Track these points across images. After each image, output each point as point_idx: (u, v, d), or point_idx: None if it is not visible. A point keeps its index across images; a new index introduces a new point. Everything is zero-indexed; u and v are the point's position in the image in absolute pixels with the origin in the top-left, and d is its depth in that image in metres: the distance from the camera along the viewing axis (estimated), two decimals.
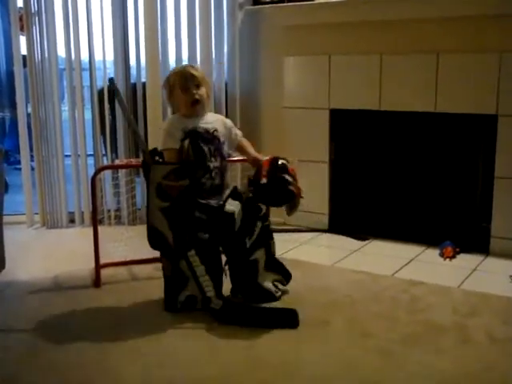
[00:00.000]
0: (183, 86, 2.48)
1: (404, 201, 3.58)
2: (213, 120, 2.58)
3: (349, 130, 3.70)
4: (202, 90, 2.50)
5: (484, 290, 2.69)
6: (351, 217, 3.72)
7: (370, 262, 3.16)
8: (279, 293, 2.61)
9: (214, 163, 2.49)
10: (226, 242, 2.52)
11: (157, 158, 2.46)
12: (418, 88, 3.32)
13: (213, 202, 2.46)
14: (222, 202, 2.48)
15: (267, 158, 2.51)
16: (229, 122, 2.66)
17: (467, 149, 3.35)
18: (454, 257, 3.17)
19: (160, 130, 2.56)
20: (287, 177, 2.42)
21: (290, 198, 2.43)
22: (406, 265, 3.10)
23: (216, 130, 2.53)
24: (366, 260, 3.20)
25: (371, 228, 3.63)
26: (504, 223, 3.15)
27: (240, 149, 2.68)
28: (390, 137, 3.60)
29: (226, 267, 2.56)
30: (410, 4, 3.25)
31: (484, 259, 3.17)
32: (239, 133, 2.68)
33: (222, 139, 2.55)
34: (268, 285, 2.59)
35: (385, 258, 3.22)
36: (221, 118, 2.68)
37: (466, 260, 3.15)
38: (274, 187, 2.41)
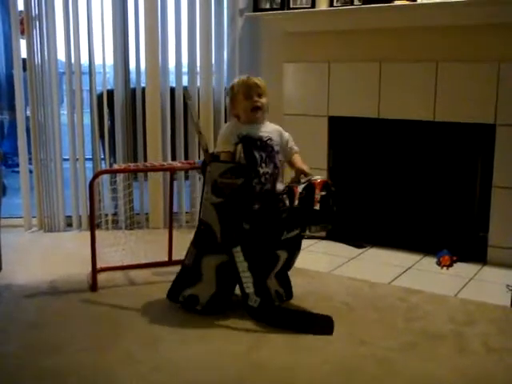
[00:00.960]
0: (246, 93, 2.56)
1: (402, 209, 3.59)
2: (270, 130, 2.62)
3: (347, 137, 3.71)
4: (264, 99, 2.59)
5: (481, 299, 2.69)
6: (349, 224, 3.72)
7: (368, 269, 3.16)
8: (277, 302, 2.61)
9: (264, 169, 2.54)
10: (266, 228, 2.52)
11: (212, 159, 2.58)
12: (417, 96, 3.33)
13: (256, 207, 2.51)
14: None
15: (319, 178, 2.48)
16: (287, 134, 2.69)
17: (465, 158, 3.35)
18: (451, 265, 3.18)
19: (219, 134, 2.67)
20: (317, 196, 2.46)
21: (326, 228, 2.52)
22: (403, 273, 3.10)
23: (270, 139, 2.58)
24: (364, 268, 3.20)
25: (369, 236, 3.63)
26: (501, 232, 3.16)
27: (291, 163, 2.69)
28: (388, 145, 3.60)
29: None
30: (409, 13, 3.27)
31: (481, 268, 3.17)
32: (295, 148, 2.70)
33: (276, 148, 2.59)
34: (271, 288, 2.60)
35: (382, 266, 3.22)
36: (279, 129, 2.69)
37: (463, 269, 3.15)
38: (324, 215, 2.44)
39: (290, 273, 2.70)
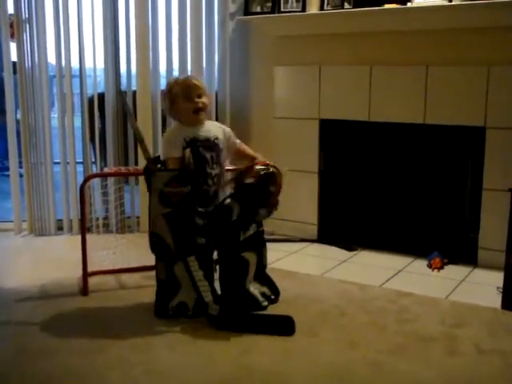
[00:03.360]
0: (186, 95, 2.51)
1: (392, 212, 3.60)
2: (213, 128, 2.61)
3: (338, 140, 3.72)
4: (204, 99, 2.55)
5: (472, 301, 2.70)
6: (340, 227, 3.73)
7: (359, 272, 3.16)
8: (265, 303, 2.61)
9: (215, 170, 2.54)
10: (221, 233, 2.52)
11: (159, 165, 2.53)
12: (408, 99, 3.34)
13: (210, 209, 2.51)
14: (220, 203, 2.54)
15: (262, 161, 2.58)
16: (228, 129, 2.70)
17: (456, 160, 3.37)
18: (441, 268, 3.19)
19: (162, 140, 2.63)
20: (272, 188, 2.51)
21: (263, 206, 2.52)
22: (394, 275, 3.11)
23: (217, 138, 2.58)
24: (355, 270, 3.21)
25: (360, 238, 3.64)
26: (492, 234, 3.17)
27: (239, 152, 2.71)
28: (379, 148, 3.61)
29: (217, 266, 2.58)
30: (399, 16, 3.28)
31: (472, 270, 3.18)
32: (237, 141, 2.71)
33: (221, 146, 2.59)
34: (254, 291, 2.60)
35: (373, 269, 3.23)
36: (220, 125, 2.71)
37: (453, 271, 3.16)
38: (256, 190, 2.49)
39: (279, 276, 2.70)
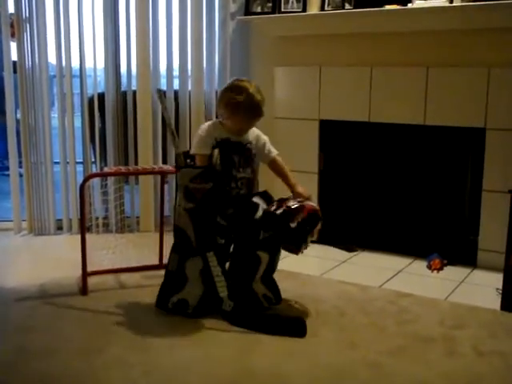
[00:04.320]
0: (249, 115, 2.50)
1: (392, 212, 3.60)
2: (249, 133, 2.60)
3: (338, 141, 3.72)
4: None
5: (471, 303, 2.70)
6: (340, 228, 3.73)
7: (359, 273, 3.17)
8: (265, 304, 2.62)
9: (241, 173, 2.54)
10: (242, 228, 2.52)
11: (188, 160, 2.54)
12: (408, 100, 3.34)
13: (231, 211, 2.51)
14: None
15: (309, 203, 2.51)
16: (264, 137, 2.68)
17: (455, 162, 3.37)
18: (441, 269, 3.19)
19: (196, 134, 2.60)
20: (309, 239, 2.48)
21: (295, 248, 2.49)
22: (393, 276, 3.11)
23: (250, 143, 2.58)
24: (355, 271, 3.21)
25: (360, 239, 3.64)
26: (491, 236, 3.17)
27: (276, 168, 2.68)
28: (378, 149, 3.61)
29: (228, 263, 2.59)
30: (400, 17, 3.28)
31: (471, 272, 3.19)
32: (274, 150, 2.69)
33: (253, 151, 2.59)
34: (258, 292, 2.60)
35: (373, 270, 3.23)
36: (257, 132, 2.67)
37: (453, 272, 3.16)
38: (295, 236, 2.45)
39: (279, 276, 2.70)
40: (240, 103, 2.46)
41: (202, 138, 2.54)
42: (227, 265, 2.59)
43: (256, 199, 2.55)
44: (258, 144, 2.61)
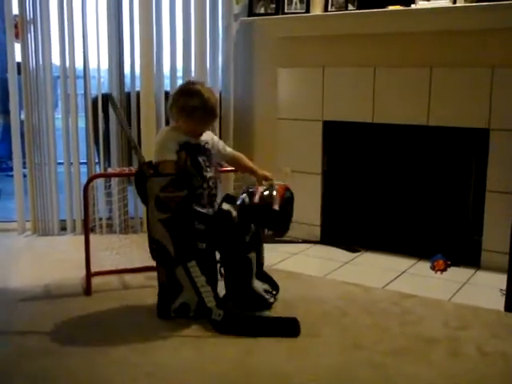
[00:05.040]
0: (204, 119, 2.51)
1: (396, 213, 3.59)
2: (204, 135, 2.62)
3: (341, 141, 3.72)
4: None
5: (475, 304, 2.70)
6: (343, 228, 3.73)
7: (362, 273, 3.16)
8: (272, 299, 2.62)
9: (209, 173, 2.55)
10: (224, 239, 2.51)
11: (151, 171, 2.46)
12: (411, 101, 3.34)
13: (210, 211, 2.51)
14: (218, 206, 2.54)
15: (280, 183, 2.55)
16: (215, 136, 2.74)
17: (459, 162, 3.36)
18: (445, 270, 3.18)
19: (155, 144, 2.55)
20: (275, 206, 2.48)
21: (284, 230, 2.57)
22: (397, 277, 3.10)
23: (207, 143, 2.60)
24: (358, 272, 3.20)
25: (363, 240, 3.63)
26: (495, 237, 3.16)
27: (236, 161, 2.74)
28: (382, 149, 3.61)
29: (222, 269, 2.57)
30: (403, 18, 3.28)
31: (475, 272, 3.18)
32: (228, 149, 2.75)
33: (212, 151, 2.62)
34: (259, 290, 2.60)
35: (376, 270, 3.22)
36: (210, 133, 2.70)
37: (457, 273, 3.16)
38: (283, 218, 2.48)
39: (282, 277, 2.71)
40: (196, 107, 2.46)
41: (165, 144, 2.48)
42: (222, 270, 2.58)
43: (225, 206, 2.51)
44: (213, 144, 2.64)
